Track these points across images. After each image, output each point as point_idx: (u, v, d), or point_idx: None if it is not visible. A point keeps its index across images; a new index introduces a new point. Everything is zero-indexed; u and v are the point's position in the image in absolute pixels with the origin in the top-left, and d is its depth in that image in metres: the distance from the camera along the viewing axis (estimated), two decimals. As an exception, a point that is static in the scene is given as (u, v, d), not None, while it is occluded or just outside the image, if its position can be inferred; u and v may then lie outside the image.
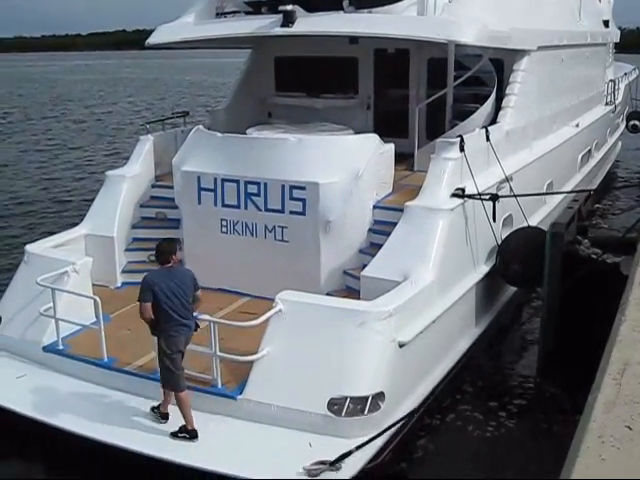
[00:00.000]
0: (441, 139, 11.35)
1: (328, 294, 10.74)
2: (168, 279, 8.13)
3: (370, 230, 11.30)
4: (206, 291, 11.30)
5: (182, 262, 9.24)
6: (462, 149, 10.88)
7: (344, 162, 11.09)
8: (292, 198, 11.02)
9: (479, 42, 11.90)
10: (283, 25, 12.06)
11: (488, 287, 11.59)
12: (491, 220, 10.92)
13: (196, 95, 63.64)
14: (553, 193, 14.13)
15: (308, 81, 16.15)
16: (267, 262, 11.32)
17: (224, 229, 11.69)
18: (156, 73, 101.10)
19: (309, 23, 12.10)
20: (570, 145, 17.29)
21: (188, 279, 8.32)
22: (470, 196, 10.67)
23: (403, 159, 13.01)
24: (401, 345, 8.64)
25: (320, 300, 9.18)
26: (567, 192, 14.29)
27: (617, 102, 25.58)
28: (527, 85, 13.83)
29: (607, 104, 24.28)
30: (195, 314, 8.53)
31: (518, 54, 13.86)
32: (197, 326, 8.43)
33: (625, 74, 30.25)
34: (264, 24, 12.45)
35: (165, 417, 8.60)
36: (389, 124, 14.79)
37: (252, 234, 11.47)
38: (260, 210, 11.33)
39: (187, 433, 8.26)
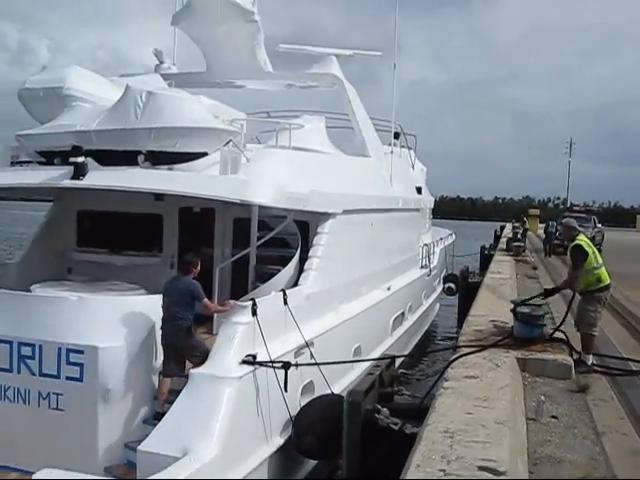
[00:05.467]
0: (236, 302, 10.80)
1: (106, 469, 9.87)
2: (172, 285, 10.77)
3: (156, 398, 10.49)
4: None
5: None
6: (254, 313, 10.33)
7: (128, 324, 10.35)
8: (69, 362, 10.08)
9: (274, 203, 11.67)
10: (73, 177, 11.44)
11: (284, 461, 10.82)
12: (282, 390, 10.27)
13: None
14: (353, 361, 13.67)
15: (111, 237, 15.58)
16: (40, 433, 10.20)
17: None
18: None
19: (101, 177, 11.53)
20: (380, 308, 17.20)
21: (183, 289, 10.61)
22: (261, 363, 10.06)
23: (206, 321, 12.41)
24: (173, 532, 7.69)
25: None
26: (365, 360, 13.91)
27: (432, 265, 26.23)
28: (331, 248, 13.66)
29: (422, 267, 24.78)
30: None
31: (322, 217, 13.74)
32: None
33: (441, 238, 31.39)
34: (54, 175, 11.78)
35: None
36: None
37: (24, 401, 10.35)
38: (34, 375, 10.29)
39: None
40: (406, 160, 24.95)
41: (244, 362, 9.97)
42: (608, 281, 11.54)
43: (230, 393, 9.51)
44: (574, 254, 11.56)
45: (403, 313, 20.65)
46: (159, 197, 14.42)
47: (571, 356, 11.15)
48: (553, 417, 8.59)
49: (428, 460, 5.94)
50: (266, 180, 11.63)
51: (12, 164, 13.40)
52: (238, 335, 10.17)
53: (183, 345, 10.51)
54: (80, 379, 10.06)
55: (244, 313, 10.36)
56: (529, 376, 10.30)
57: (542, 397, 8.87)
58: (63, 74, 13.02)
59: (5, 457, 10.29)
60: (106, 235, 15.66)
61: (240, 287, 13.12)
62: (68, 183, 11.56)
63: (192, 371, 9.83)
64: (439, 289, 30.48)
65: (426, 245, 25.79)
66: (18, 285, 12.25)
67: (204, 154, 11.90)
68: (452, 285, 30.72)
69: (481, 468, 5.78)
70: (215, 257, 14.80)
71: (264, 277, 12.94)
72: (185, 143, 11.62)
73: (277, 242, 13.74)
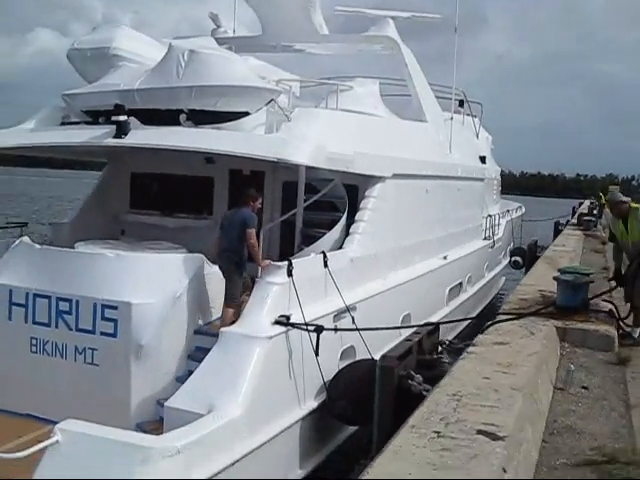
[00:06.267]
0: (271, 262, 10.70)
1: (138, 425, 9.87)
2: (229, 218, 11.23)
3: (189, 357, 10.50)
4: (12, 416, 10.32)
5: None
6: (290, 274, 10.21)
7: (163, 282, 10.37)
8: (104, 318, 10.16)
9: (313, 162, 11.44)
10: (115, 136, 11.48)
11: (317, 425, 10.71)
12: (314, 353, 10.13)
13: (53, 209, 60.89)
14: (391, 328, 13.24)
15: (163, 199, 15.62)
16: (76, 387, 10.35)
17: (34, 348, 10.71)
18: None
19: (143, 135, 11.53)
20: (434, 277, 16.85)
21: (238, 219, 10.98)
22: (293, 325, 9.93)
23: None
24: (193, 487, 7.63)
25: (102, 432, 8.04)
26: (404, 326, 13.54)
27: (497, 237, 25.57)
28: (380, 212, 13.41)
29: (485, 239, 24.19)
30: None
31: (372, 180, 13.47)
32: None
33: (508, 211, 30.55)
34: (97, 134, 11.84)
35: None
36: None
37: (62, 355, 10.52)
38: (71, 329, 10.42)
39: None
40: (469, 128, 24.32)
41: (276, 322, 9.86)
42: None
43: (260, 353, 9.38)
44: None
45: (461, 284, 20.25)
46: (210, 160, 14.41)
47: (618, 329, 10.76)
48: (584, 388, 8.26)
49: (425, 421, 5.72)
50: (305, 139, 11.43)
51: (62, 124, 13.54)
52: (272, 295, 10.04)
53: (228, 279, 11.01)
54: (114, 335, 10.13)
55: (279, 273, 10.24)
56: (568, 346, 9.95)
57: (572, 366, 8.53)
58: (111, 34, 13.08)
59: (44, 410, 10.42)
60: (159, 197, 15.76)
61: (288, 250, 12.99)
62: (112, 142, 11.60)
63: (222, 329, 9.78)
64: (504, 262, 29.75)
65: (490, 216, 25.14)
66: (68, 244, 12.37)
67: (246, 113, 11.76)
68: (519, 259, 30.02)
69: (480, 432, 5.53)
70: (264, 220, 14.70)
71: (311, 240, 12.78)
72: (225, 102, 11.52)
73: (325, 206, 13.53)
